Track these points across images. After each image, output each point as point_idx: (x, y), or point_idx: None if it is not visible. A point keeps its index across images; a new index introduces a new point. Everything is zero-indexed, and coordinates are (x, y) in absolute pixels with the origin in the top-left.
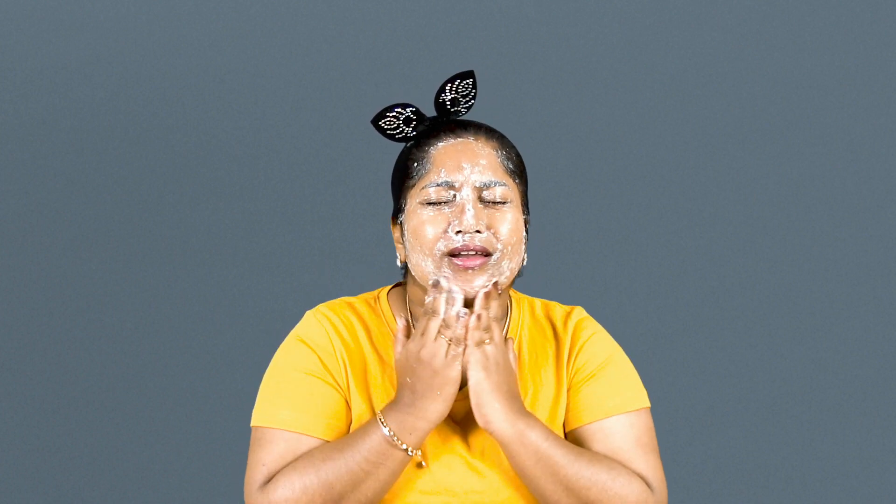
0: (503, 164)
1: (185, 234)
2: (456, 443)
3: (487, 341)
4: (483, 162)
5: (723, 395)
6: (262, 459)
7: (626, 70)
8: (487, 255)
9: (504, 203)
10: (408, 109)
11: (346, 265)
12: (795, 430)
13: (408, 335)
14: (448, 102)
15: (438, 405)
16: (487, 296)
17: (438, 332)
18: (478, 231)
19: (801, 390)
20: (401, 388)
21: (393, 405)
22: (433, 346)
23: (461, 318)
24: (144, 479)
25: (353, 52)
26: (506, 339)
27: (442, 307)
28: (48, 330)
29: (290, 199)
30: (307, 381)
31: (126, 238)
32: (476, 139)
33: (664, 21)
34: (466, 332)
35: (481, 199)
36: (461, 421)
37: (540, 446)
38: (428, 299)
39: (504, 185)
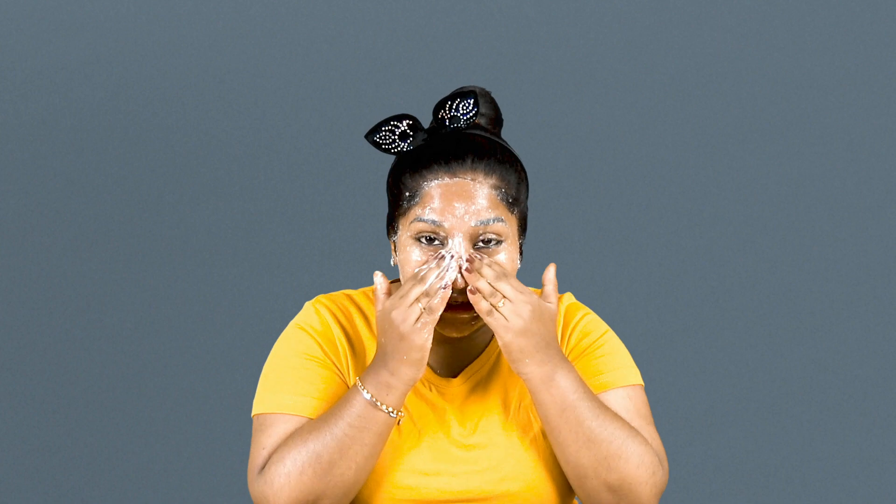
0: (502, 200)
1: (185, 234)
2: (454, 426)
3: (501, 304)
4: (480, 202)
5: (723, 395)
6: (263, 444)
7: (626, 70)
8: (471, 307)
9: (498, 244)
10: (404, 123)
11: (346, 265)
12: (795, 430)
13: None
14: (447, 120)
15: (407, 369)
16: (469, 270)
17: (417, 298)
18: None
19: (801, 390)
20: (377, 349)
21: (369, 368)
22: (406, 311)
23: (442, 291)
24: (144, 479)
25: (353, 52)
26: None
27: (431, 278)
28: (48, 330)
29: (290, 199)
30: (307, 365)
31: (126, 238)
32: (473, 178)
33: (664, 21)
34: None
35: (474, 243)
36: (460, 406)
37: (567, 396)
38: (423, 269)
39: (500, 220)
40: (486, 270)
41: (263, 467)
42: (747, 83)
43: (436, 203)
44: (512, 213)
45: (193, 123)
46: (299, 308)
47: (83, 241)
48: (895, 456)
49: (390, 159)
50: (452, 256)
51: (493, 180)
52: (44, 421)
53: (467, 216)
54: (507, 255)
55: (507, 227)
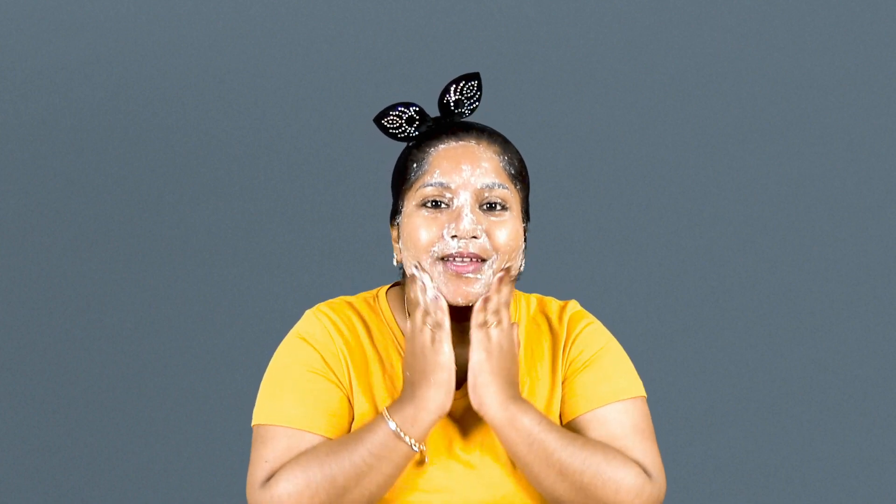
0: (505, 168)
1: (185, 234)
2: (455, 441)
3: (494, 324)
4: (484, 165)
5: (723, 394)
6: (265, 456)
7: (626, 70)
8: (482, 260)
9: (504, 210)
10: (411, 109)
11: (346, 265)
12: (795, 430)
13: None
14: (452, 104)
15: (436, 394)
16: (501, 280)
17: (423, 320)
18: (474, 237)
19: (801, 390)
20: (404, 385)
21: (397, 401)
22: (421, 336)
23: (436, 301)
24: (144, 479)
25: (353, 52)
26: (511, 324)
27: (420, 297)
28: (48, 330)
29: (290, 199)
30: (309, 378)
31: (126, 238)
32: (478, 143)
33: (664, 21)
34: (449, 316)
35: (480, 205)
36: (459, 419)
37: (532, 430)
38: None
39: (505, 187)
40: (504, 290)
41: (268, 480)
42: (747, 83)
43: (442, 167)
44: (515, 186)
45: (193, 123)
46: (299, 309)
47: (83, 241)
48: (895, 456)
49: (390, 159)
50: (417, 267)
51: (496, 147)
52: (44, 421)
53: (473, 178)
54: (512, 226)
55: (511, 196)
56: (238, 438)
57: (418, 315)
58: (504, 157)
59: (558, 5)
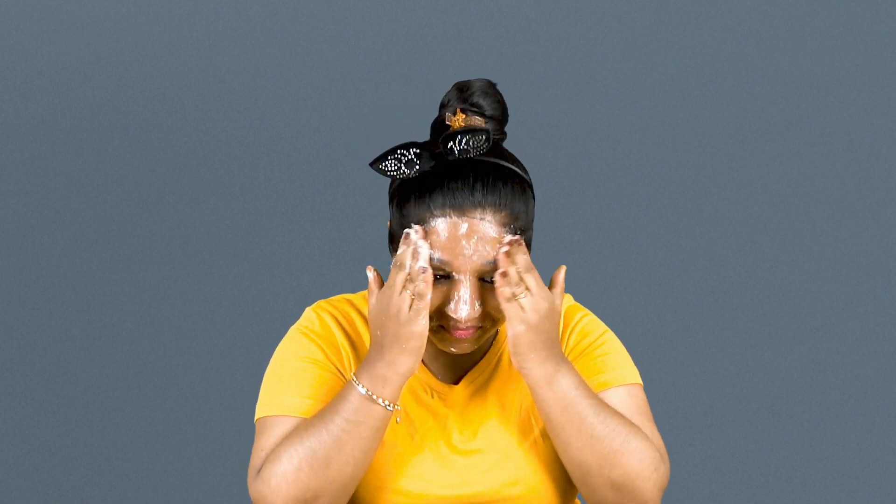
0: (510, 232)
1: (185, 234)
2: (451, 432)
3: (522, 296)
4: (486, 244)
5: (723, 395)
6: (262, 446)
7: (626, 70)
8: (479, 328)
9: None
10: (410, 151)
11: (346, 265)
12: (795, 430)
13: (381, 287)
14: (458, 152)
15: (406, 358)
16: (508, 254)
17: (403, 286)
18: (471, 320)
19: (801, 390)
20: (371, 344)
21: (364, 362)
22: (398, 300)
23: (422, 274)
24: (144, 479)
25: (353, 52)
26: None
27: (408, 261)
28: (48, 330)
29: (290, 199)
30: (308, 368)
31: (126, 238)
32: (482, 218)
33: (664, 21)
34: (429, 287)
35: (481, 277)
36: (458, 411)
37: (568, 393)
38: (400, 250)
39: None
40: (519, 258)
41: (261, 468)
42: (747, 83)
43: (442, 241)
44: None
45: (193, 123)
46: (299, 309)
47: (83, 241)
48: (895, 456)
49: None
50: (416, 232)
51: (502, 217)
52: (44, 421)
53: (475, 256)
54: None
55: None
56: (238, 438)
57: (399, 278)
58: (510, 226)
59: (558, 5)
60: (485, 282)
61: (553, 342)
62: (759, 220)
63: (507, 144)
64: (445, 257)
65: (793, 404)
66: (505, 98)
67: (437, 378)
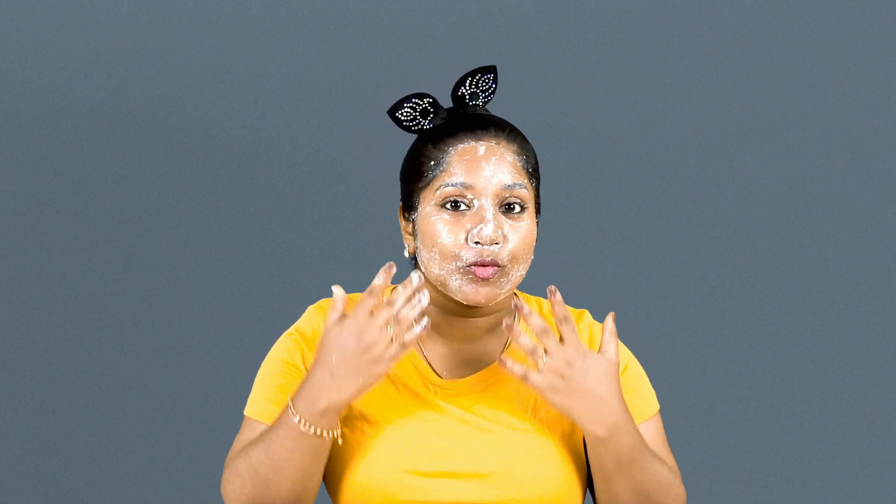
0: (523, 167)
1: (185, 234)
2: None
3: (540, 362)
4: (504, 165)
5: (723, 395)
6: (235, 446)
7: (626, 70)
8: (498, 265)
9: (522, 211)
10: (425, 100)
11: (346, 265)
12: (795, 430)
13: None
14: (467, 96)
15: (354, 391)
16: (509, 328)
17: (387, 321)
18: (495, 242)
19: (801, 390)
20: (318, 366)
21: (305, 386)
22: (376, 335)
23: (419, 327)
24: (144, 479)
25: (353, 52)
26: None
27: (400, 302)
28: (48, 330)
29: (290, 199)
30: (281, 372)
31: (126, 238)
32: (497, 142)
33: (664, 21)
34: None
35: (500, 205)
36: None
37: (623, 456)
38: (378, 280)
39: (523, 186)
40: (533, 320)
41: (224, 468)
42: (747, 83)
43: (462, 166)
44: (531, 184)
45: (193, 123)
46: (299, 309)
47: (83, 241)
48: (895, 456)
49: (391, 158)
50: (420, 278)
51: (515, 147)
52: (44, 421)
53: (495, 178)
54: (527, 229)
55: (529, 195)
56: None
57: (383, 314)
58: (522, 156)
59: (558, 5)
60: (504, 211)
61: (602, 399)
62: (759, 220)
63: None
64: (467, 180)
65: (793, 404)
66: (505, 98)
67: (440, 375)
